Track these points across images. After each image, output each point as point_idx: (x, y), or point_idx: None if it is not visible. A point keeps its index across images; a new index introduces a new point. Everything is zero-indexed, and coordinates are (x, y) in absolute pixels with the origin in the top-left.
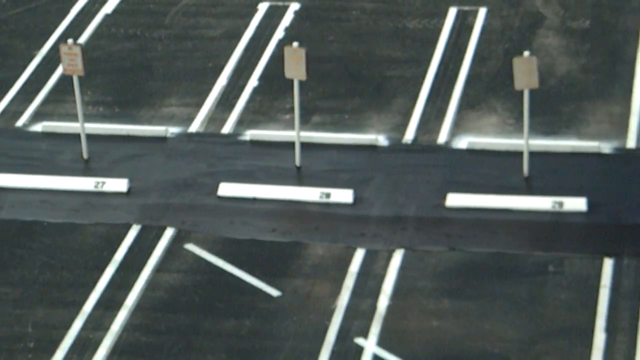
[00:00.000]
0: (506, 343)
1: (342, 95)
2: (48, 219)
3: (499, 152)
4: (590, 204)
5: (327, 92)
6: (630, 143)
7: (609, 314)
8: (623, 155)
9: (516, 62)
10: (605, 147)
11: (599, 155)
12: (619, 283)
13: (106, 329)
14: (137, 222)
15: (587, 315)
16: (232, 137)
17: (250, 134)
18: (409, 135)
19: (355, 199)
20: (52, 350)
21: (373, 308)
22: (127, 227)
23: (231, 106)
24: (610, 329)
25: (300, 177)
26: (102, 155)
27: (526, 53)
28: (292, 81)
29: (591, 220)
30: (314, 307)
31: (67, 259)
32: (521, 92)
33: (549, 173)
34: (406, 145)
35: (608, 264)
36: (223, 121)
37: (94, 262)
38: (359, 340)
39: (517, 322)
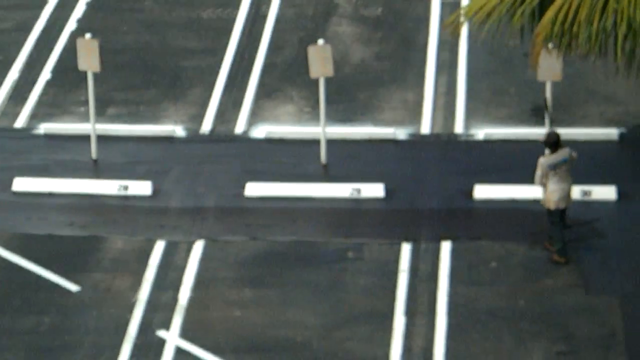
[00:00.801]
0: (308, 330)
1: (138, 86)
2: None
3: (297, 141)
4: (387, 190)
5: (122, 83)
6: (425, 129)
7: (408, 297)
8: (418, 141)
9: (311, 50)
10: (401, 133)
11: (394, 142)
12: (417, 267)
13: None
14: None
15: (387, 300)
16: (26, 131)
17: (44, 128)
18: (207, 125)
19: (154, 190)
20: None
21: (174, 300)
22: None
23: (24, 100)
24: (409, 313)
25: (97, 170)
26: None
27: (320, 41)
28: (85, 73)
29: (388, 206)
30: (114, 301)
31: None
32: (317, 81)
33: (347, 160)
34: (204, 135)
35: (406, 249)
36: (16, 115)
37: None
38: (161, 333)
39: (319, 309)
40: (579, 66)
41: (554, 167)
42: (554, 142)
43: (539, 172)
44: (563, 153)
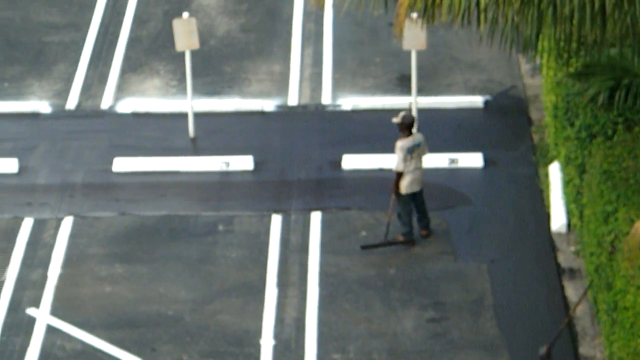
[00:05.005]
0: (180, 304)
1: (1, 63)
2: None
3: (164, 115)
4: (256, 162)
5: None
6: (292, 100)
7: (279, 269)
8: (285, 113)
9: (176, 23)
10: (268, 105)
11: (262, 114)
12: (288, 238)
13: None
14: None
15: (258, 272)
16: None
17: None
18: (72, 101)
19: (21, 168)
20: None
21: (44, 277)
22: None
23: None
24: (281, 284)
25: None
26: None
27: (185, 14)
28: None
29: (258, 178)
30: None
31: None
32: (183, 54)
33: (215, 133)
34: (70, 111)
35: (276, 220)
36: None
37: None
38: (31, 311)
39: (190, 283)
40: (443, 35)
41: (410, 152)
42: (409, 124)
43: (401, 156)
44: (417, 137)
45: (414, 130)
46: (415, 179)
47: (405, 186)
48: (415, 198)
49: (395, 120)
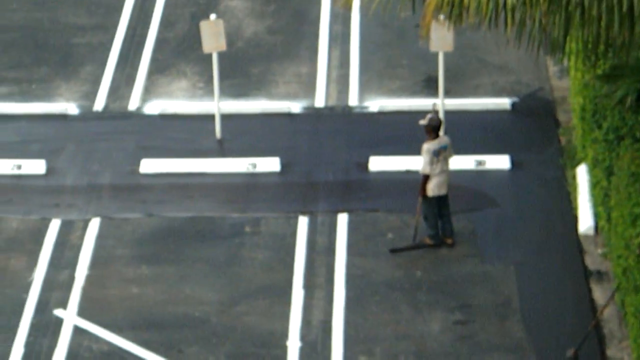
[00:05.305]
0: (206, 305)
1: (29, 64)
2: None
3: (191, 116)
4: (283, 164)
5: (13, 61)
6: (319, 102)
7: (306, 271)
8: (312, 115)
9: (203, 25)
10: (295, 107)
11: (289, 116)
12: (314, 240)
13: None
14: None
15: (285, 274)
16: None
17: None
18: (100, 102)
19: (48, 169)
20: None
21: (71, 278)
22: None
23: None
24: (307, 286)
25: None
26: None
27: (212, 16)
28: None
29: (285, 179)
30: (10, 281)
31: None
32: (210, 55)
33: (242, 135)
34: (97, 113)
35: (303, 222)
36: None
37: None
38: (58, 312)
39: (217, 284)
40: (470, 36)
41: (437, 154)
42: (436, 127)
43: (427, 159)
44: (444, 139)
45: (441, 132)
46: (442, 181)
47: (431, 189)
48: (440, 202)
49: (422, 122)
